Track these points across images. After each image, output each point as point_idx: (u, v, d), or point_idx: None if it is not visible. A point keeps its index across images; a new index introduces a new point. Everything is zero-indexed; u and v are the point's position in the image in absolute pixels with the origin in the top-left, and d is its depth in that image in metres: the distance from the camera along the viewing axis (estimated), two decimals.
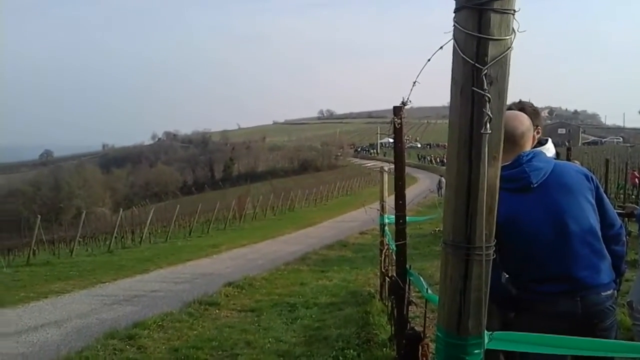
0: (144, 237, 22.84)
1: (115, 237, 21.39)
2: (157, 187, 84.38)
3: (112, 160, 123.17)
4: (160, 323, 6.70)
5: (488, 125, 1.20)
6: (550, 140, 2.81)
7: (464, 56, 1.19)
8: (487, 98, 1.18)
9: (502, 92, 1.23)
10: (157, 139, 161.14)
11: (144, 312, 7.69)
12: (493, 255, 1.35)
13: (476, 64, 1.18)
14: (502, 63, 1.21)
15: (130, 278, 11.26)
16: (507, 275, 2.18)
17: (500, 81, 1.21)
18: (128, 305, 8.40)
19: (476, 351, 1.41)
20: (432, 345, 3.12)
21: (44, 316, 7.72)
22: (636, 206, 4.42)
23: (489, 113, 1.19)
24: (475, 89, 1.19)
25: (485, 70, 1.18)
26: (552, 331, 1.76)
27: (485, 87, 1.18)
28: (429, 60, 1.69)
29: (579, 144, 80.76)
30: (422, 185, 42.26)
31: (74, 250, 18.29)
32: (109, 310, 8.09)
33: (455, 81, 1.25)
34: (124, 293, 9.44)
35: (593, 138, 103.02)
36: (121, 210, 25.52)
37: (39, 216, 19.47)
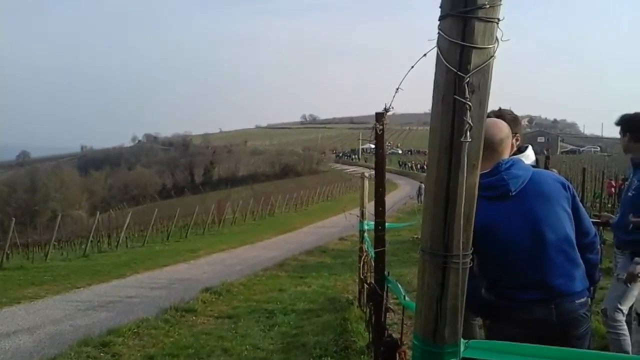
0: (120, 241, 22.56)
1: (92, 241, 21.08)
2: (136, 190, 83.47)
3: (91, 162, 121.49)
4: (135, 330, 6.59)
5: (468, 133, 1.20)
6: (530, 147, 2.84)
7: (447, 64, 1.19)
8: (468, 106, 1.18)
9: (483, 101, 1.23)
10: (137, 141, 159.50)
11: (119, 318, 7.56)
12: (470, 263, 1.35)
13: (459, 72, 1.18)
14: (485, 71, 1.21)
15: (106, 283, 11.07)
16: (484, 283, 2.20)
17: (482, 89, 1.21)
18: (103, 311, 8.26)
19: (452, 359, 1.41)
20: (410, 353, 3.12)
21: (16, 322, 7.55)
22: (611, 215, 4.49)
23: (470, 121, 1.19)
24: (457, 97, 1.19)
25: (468, 79, 1.18)
26: (527, 339, 1.77)
27: (467, 95, 1.18)
28: (412, 67, 1.68)
29: (558, 153, 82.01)
30: (402, 192, 42.49)
31: (48, 254, 17.99)
32: (83, 316, 7.94)
33: (437, 88, 1.25)
34: (99, 299, 9.27)
35: (571, 147, 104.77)
36: (98, 213, 25.23)
37: (14, 219, 19.14)
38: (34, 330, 7.09)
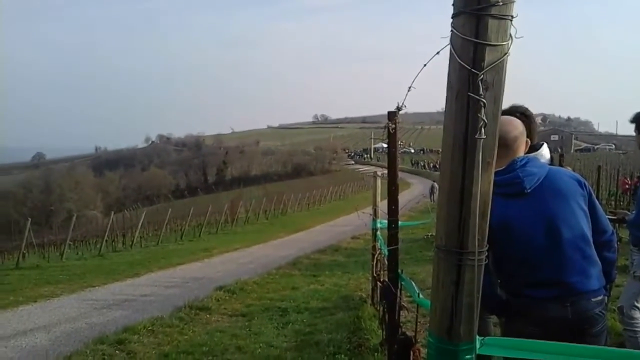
0: (135, 240, 22.73)
1: (106, 241, 21.26)
2: (150, 191, 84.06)
3: (105, 163, 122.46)
4: (150, 328, 6.64)
5: (483, 130, 1.20)
6: (545, 145, 2.82)
7: (461, 61, 1.20)
8: (482, 103, 1.19)
9: (497, 98, 1.23)
10: (150, 142, 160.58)
11: (134, 316, 7.63)
12: (485, 260, 1.35)
13: (472, 70, 1.19)
14: (499, 69, 1.21)
15: (121, 282, 11.17)
16: (498, 281, 2.19)
17: (496, 87, 1.22)
18: (118, 310, 8.33)
19: (468, 357, 1.41)
20: (424, 350, 3.12)
21: (32, 320, 7.64)
22: (627, 212, 4.44)
23: (484, 118, 1.19)
24: (471, 94, 1.19)
25: (482, 76, 1.18)
26: (542, 336, 1.76)
27: (481, 92, 1.18)
28: (425, 65, 1.69)
29: (572, 151, 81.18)
30: (415, 191, 42.33)
31: (64, 253, 18.18)
32: (98, 314, 8.02)
33: (451, 86, 1.25)
34: (114, 297, 9.36)
35: (585, 145, 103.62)
36: (112, 213, 25.38)
37: (30, 219, 19.36)
38: (50, 328, 7.17)
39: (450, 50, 1.23)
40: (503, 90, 1.24)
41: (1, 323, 7.50)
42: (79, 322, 7.52)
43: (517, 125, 2.29)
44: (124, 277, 11.77)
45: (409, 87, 1.92)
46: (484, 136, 1.20)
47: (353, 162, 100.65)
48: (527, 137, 2.36)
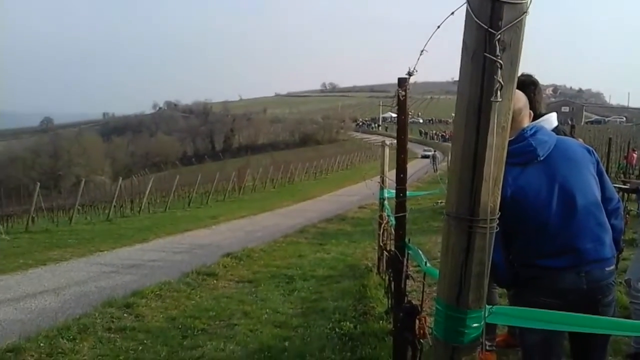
0: (143, 206, 22.90)
1: (115, 206, 21.43)
2: (157, 157, 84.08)
3: (113, 129, 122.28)
4: (158, 292, 6.71)
5: (499, 93, 1.15)
6: (554, 114, 2.81)
7: (477, 20, 1.14)
8: (499, 64, 1.14)
9: (514, 59, 1.18)
10: (158, 109, 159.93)
11: (142, 281, 7.72)
12: (496, 228, 1.32)
13: (489, 29, 1.14)
14: (517, 28, 1.16)
15: (129, 247, 11.30)
16: (508, 252, 2.18)
17: (513, 47, 1.17)
18: (126, 274, 8.43)
19: (475, 324, 1.40)
20: (429, 319, 3.13)
21: (42, 283, 7.74)
22: None
23: (500, 80, 1.15)
24: (487, 54, 1.14)
25: (499, 36, 1.13)
26: (554, 307, 1.74)
27: (498, 53, 1.14)
28: (438, 27, 1.63)
29: (582, 123, 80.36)
30: (423, 161, 42.21)
31: (72, 218, 18.35)
32: (107, 278, 8.12)
33: (466, 47, 1.20)
34: (122, 262, 9.47)
35: (596, 117, 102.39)
36: (120, 179, 25.48)
37: (38, 183, 19.47)
38: (59, 291, 7.28)
39: (467, 8, 1.18)
40: (521, 52, 1.19)
41: (11, 285, 7.61)
42: (87, 285, 7.62)
43: (520, 97, 2.29)
44: (132, 242, 11.91)
45: (422, 50, 1.86)
46: (499, 99, 1.16)
47: (360, 131, 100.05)
48: (531, 108, 2.38)
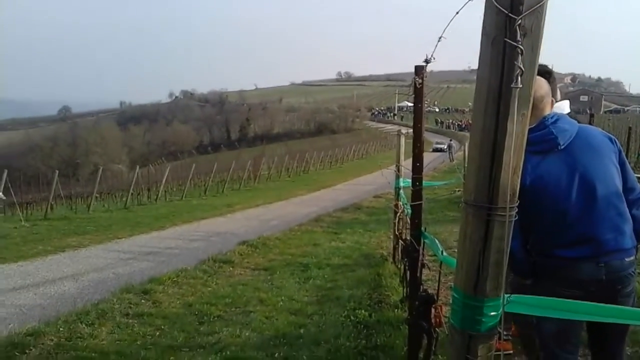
0: (160, 194, 23.10)
1: (132, 194, 21.65)
2: (174, 146, 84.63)
3: (130, 118, 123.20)
4: (175, 279, 6.79)
5: (519, 79, 1.14)
6: (567, 101, 2.80)
7: (498, 5, 1.12)
8: (519, 50, 1.12)
9: (535, 45, 1.16)
10: (174, 97, 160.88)
11: (159, 268, 7.81)
12: (515, 217, 1.31)
13: (510, 14, 1.11)
14: (538, 13, 1.13)
15: (146, 234, 11.43)
16: (526, 242, 2.16)
17: (534, 33, 1.14)
18: (144, 261, 8.53)
19: (493, 313, 1.39)
20: (445, 308, 3.12)
21: (61, 269, 7.87)
22: None
23: (521, 66, 1.13)
24: (507, 40, 1.12)
25: (519, 21, 1.11)
26: (573, 297, 1.73)
27: (519, 38, 1.12)
28: (457, 12, 1.62)
29: (601, 112, 79.07)
30: (436, 152, 41.99)
31: (90, 205, 18.58)
32: (124, 265, 8.23)
33: (486, 32, 1.18)
34: (139, 249, 9.58)
35: (615, 106, 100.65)
36: (137, 167, 25.72)
37: (57, 171, 19.71)
38: (77, 277, 7.39)
39: None
40: (542, 37, 1.17)
41: (30, 271, 7.74)
42: (105, 271, 7.73)
43: (542, 85, 2.26)
44: (149, 230, 12.03)
45: (440, 37, 1.85)
46: (520, 85, 1.14)
47: (376, 120, 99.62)
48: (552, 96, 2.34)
